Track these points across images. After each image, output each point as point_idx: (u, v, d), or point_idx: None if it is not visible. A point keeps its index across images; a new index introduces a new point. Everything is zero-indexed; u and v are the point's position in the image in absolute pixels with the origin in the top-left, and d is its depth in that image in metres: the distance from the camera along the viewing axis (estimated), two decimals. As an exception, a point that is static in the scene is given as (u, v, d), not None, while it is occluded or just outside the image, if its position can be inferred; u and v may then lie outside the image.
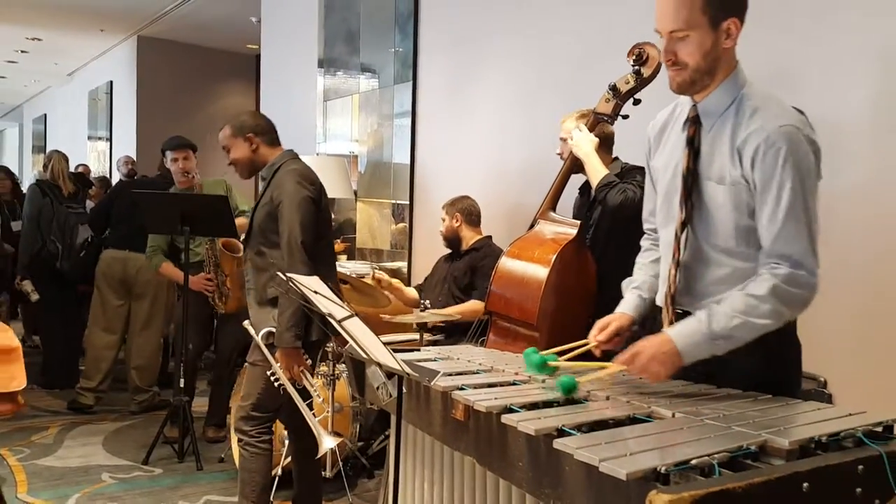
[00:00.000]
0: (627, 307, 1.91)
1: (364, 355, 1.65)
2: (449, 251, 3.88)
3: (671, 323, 1.75)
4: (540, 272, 2.58)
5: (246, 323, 2.83)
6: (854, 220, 2.61)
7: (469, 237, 3.81)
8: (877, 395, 2.50)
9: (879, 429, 1.39)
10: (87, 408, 4.78)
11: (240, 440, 2.83)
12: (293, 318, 2.64)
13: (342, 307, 1.49)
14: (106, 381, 4.87)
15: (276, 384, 2.67)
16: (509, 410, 1.48)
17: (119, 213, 4.83)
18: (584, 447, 1.22)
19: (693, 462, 1.16)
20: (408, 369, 1.51)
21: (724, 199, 1.70)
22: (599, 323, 1.88)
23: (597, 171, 2.66)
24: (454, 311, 3.45)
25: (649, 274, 1.95)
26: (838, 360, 2.64)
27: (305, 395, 2.75)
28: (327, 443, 2.52)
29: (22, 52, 11.69)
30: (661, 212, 1.87)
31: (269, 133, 2.92)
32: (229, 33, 9.43)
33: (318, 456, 2.61)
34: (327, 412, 2.71)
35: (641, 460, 1.16)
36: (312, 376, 2.71)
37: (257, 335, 2.76)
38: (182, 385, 3.93)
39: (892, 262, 2.50)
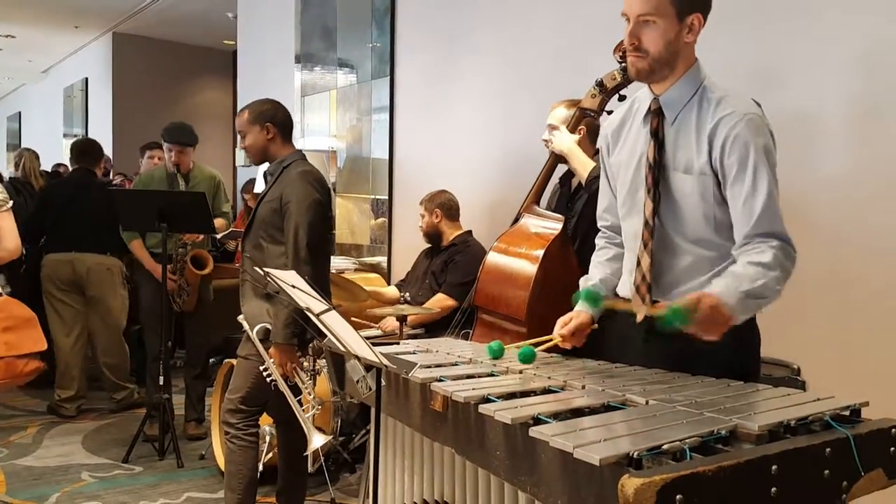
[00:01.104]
0: (586, 306, 1.94)
1: (342, 348, 1.66)
2: (429, 246, 3.90)
3: (647, 312, 1.78)
4: (528, 268, 2.61)
5: (240, 317, 2.83)
6: (831, 212, 2.65)
7: (449, 232, 3.83)
8: (849, 382, 2.55)
9: (847, 412, 1.42)
10: (70, 418, 4.70)
11: (227, 433, 2.84)
12: (292, 316, 2.65)
13: (320, 301, 1.50)
14: (82, 386, 4.79)
15: (268, 380, 2.68)
16: (487, 400, 1.50)
17: (55, 217, 4.64)
18: (559, 434, 1.24)
19: (665, 447, 1.18)
20: (386, 361, 1.52)
21: (691, 188, 1.74)
22: (562, 319, 1.92)
23: (584, 163, 2.68)
24: (431, 307, 3.48)
25: (606, 272, 2.00)
26: (812, 347, 2.69)
27: (297, 391, 2.75)
28: (317, 440, 2.53)
29: (-5, 49, 11.55)
30: (624, 205, 1.90)
31: (285, 126, 2.93)
32: (205, 29, 9.37)
33: (306, 453, 2.62)
34: (317, 409, 2.71)
35: (614, 446, 1.18)
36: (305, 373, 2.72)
37: (251, 329, 2.75)
38: (161, 382, 3.92)
39: (866, 252, 2.55)
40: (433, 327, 3.56)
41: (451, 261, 3.71)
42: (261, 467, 3.18)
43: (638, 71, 1.77)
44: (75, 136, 11.98)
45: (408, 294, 3.51)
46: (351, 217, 5.47)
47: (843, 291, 2.61)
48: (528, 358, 1.78)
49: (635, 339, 1.86)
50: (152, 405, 4.01)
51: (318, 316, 1.50)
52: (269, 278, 1.65)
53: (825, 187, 2.65)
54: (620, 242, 2.02)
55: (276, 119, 2.87)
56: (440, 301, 3.57)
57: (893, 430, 1.38)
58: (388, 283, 4.65)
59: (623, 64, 2.58)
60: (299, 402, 2.69)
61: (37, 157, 5.49)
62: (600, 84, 2.67)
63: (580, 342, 1.91)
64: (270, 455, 3.35)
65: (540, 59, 3.81)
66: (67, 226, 4.61)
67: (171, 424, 3.90)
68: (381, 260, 5.05)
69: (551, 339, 1.92)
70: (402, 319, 3.31)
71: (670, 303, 1.61)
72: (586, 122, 2.77)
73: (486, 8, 4.15)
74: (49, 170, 7.93)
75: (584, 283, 2.01)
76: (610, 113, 2.70)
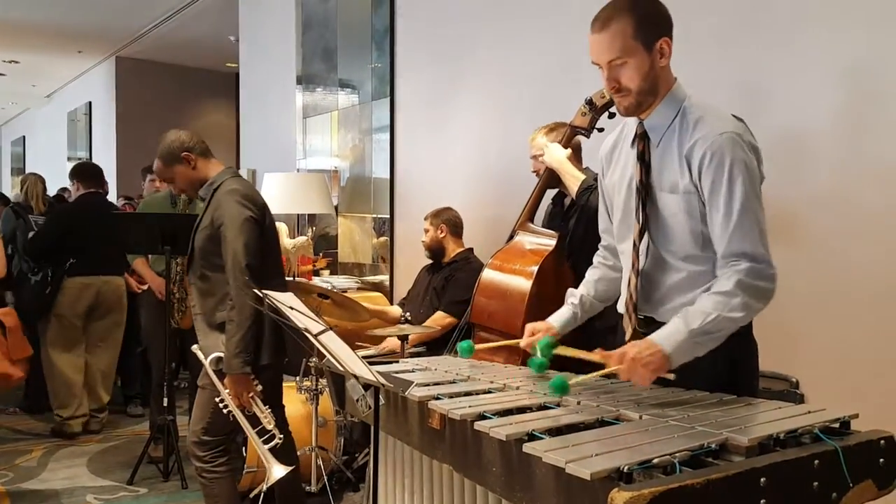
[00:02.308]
0: (557, 320, 2.03)
1: (341, 368, 1.69)
2: (430, 262, 3.93)
3: (634, 329, 1.84)
4: (523, 284, 2.64)
5: (195, 347, 2.75)
6: (819, 226, 2.68)
7: (452, 249, 3.86)
8: (847, 395, 2.57)
9: (837, 425, 1.45)
10: (75, 435, 4.72)
11: (196, 467, 2.74)
12: (241, 344, 2.55)
13: (317, 322, 1.53)
14: (84, 402, 4.83)
15: (224, 411, 2.58)
16: (483, 417, 1.53)
17: (78, 241, 4.68)
18: (552, 450, 1.26)
19: (655, 461, 1.21)
20: (383, 380, 1.55)
21: (677, 207, 1.79)
22: (529, 327, 2.00)
23: (574, 176, 2.73)
24: (431, 325, 3.51)
25: (590, 292, 2.06)
26: (809, 361, 2.71)
27: (255, 421, 2.64)
28: (276, 472, 2.44)
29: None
30: (620, 226, 1.95)
31: (200, 145, 2.82)
32: (208, 52, 9.47)
33: (267, 485, 2.53)
34: (278, 440, 2.61)
35: (606, 461, 1.21)
36: (264, 402, 2.64)
37: (206, 360, 2.67)
38: (165, 404, 3.94)
39: (858, 265, 2.58)
40: (434, 345, 3.59)
41: (452, 277, 3.73)
42: (265, 487, 3.19)
43: (627, 108, 1.82)
44: (79, 159, 12.08)
45: (408, 313, 3.53)
46: (353, 236, 5.51)
47: (839, 304, 2.64)
48: (562, 389, 1.72)
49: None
50: (157, 427, 4.03)
51: (315, 336, 1.53)
52: (266, 300, 1.68)
53: (814, 201, 2.68)
54: (613, 264, 2.08)
55: (186, 146, 2.77)
56: (440, 319, 3.60)
57: (882, 441, 1.40)
58: (391, 302, 4.68)
59: None
60: (259, 432, 2.59)
61: (42, 181, 5.55)
62: (590, 102, 2.72)
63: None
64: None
65: (535, 79, 3.86)
66: (92, 249, 4.67)
67: (176, 446, 3.91)
68: (384, 279, 5.09)
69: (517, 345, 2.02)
70: (403, 338, 3.34)
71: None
72: (573, 144, 2.82)
73: (482, 28, 4.21)
74: (54, 194, 7.99)
75: (568, 295, 2.09)
76: (601, 130, 2.76)
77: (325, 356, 1.77)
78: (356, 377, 1.63)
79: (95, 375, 4.89)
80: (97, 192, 4.86)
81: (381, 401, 1.81)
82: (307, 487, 3.40)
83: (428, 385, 1.83)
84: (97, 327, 4.83)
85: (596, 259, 2.13)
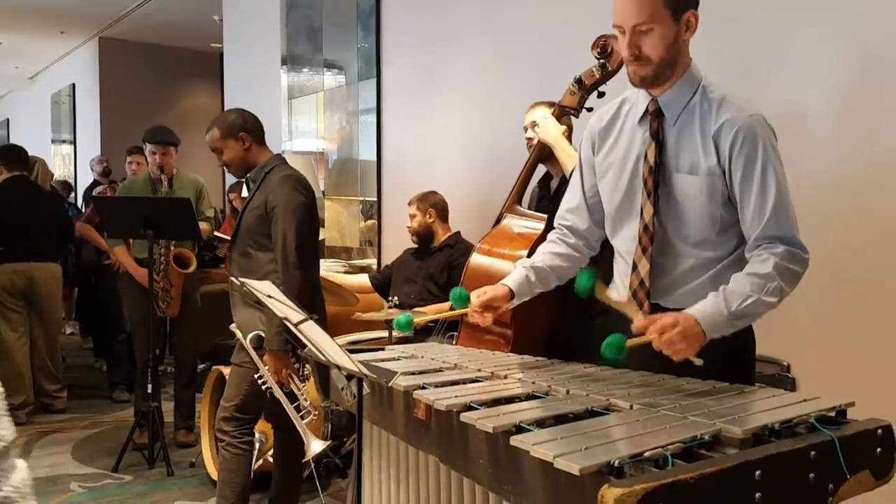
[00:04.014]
0: (511, 281, 1.91)
1: (322, 358, 1.64)
2: (415, 247, 3.87)
3: (646, 315, 1.74)
4: (511, 269, 2.58)
5: (233, 326, 2.80)
6: (815, 208, 2.64)
7: (441, 232, 3.80)
8: (839, 378, 2.54)
9: (833, 413, 1.41)
10: (20, 425, 4.66)
11: (221, 440, 2.83)
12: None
13: (297, 311, 1.48)
14: (31, 392, 4.82)
15: (263, 387, 2.66)
16: (469, 408, 1.48)
17: (7, 227, 4.59)
18: (540, 443, 1.22)
19: (646, 454, 1.16)
20: (365, 370, 1.50)
21: (697, 188, 1.72)
22: (477, 291, 1.88)
23: (569, 154, 2.66)
24: (436, 311, 3.44)
25: (546, 263, 1.95)
26: (801, 344, 2.68)
27: (293, 398, 2.73)
28: (315, 446, 2.51)
29: (-20, 55, 11.47)
30: (619, 209, 1.85)
31: (258, 131, 2.90)
32: (192, 32, 9.32)
33: (306, 459, 2.60)
34: (314, 415, 2.69)
35: (595, 454, 1.16)
36: (300, 380, 2.70)
37: (244, 338, 2.73)
38: (149, 391, 3.89)
39: (853, 247, 2.54)
40: (421, 330, 3.53)
41: (455, 264, 3.67)
42: (251, 474, 3.16)
43: (642, 79, 1.73)
44: (64, 141, 11.93)
45: (396, 298, 3.47)
46: (340, 219, 5.44)
47: (832, 288, 2.60)
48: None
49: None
50: (141, 413, 3.98)
51: (296, 326, 1.48)
52: (245, 288, 1.63)
53: (810, 183, 2.64)
54: (573, 243, 1.99)
55: (247, 126, 2.85)
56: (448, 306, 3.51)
57: (879, 430, 1.37)
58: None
59: (601, 61, 2.57)
60: (297, 408, 2.67)
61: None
62: (579, 81, 2.65)
63: (492, 317, 1.89)
64: (261, 462, 3.32)
65: (524, 61, 3.80)
66: (22, 236, 4.60)
67: (161, 433, 3.86)
68: (371, 262, 5.03)
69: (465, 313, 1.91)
70: (390, 323, 3.28)
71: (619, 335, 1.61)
72: (564, 121, 2.75)
73: (470, 8, 4.13)
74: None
75: (521, 262, 1.99)
76: (590, 110, 2.70)
77: (306, 345, 1.72)
78: (339, 367, 1.57)
79: (44, 358, 4.88)
80: (22, 174, 4.74)
81: (367, 390, 1.77)
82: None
83: (414, 374, 1.78)
84: (41, 316, 4.83)
85: (553, 235, 2.02)
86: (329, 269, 4.91)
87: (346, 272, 4.97)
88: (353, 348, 2.55)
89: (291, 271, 2.64)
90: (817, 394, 1.48)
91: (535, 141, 2.77)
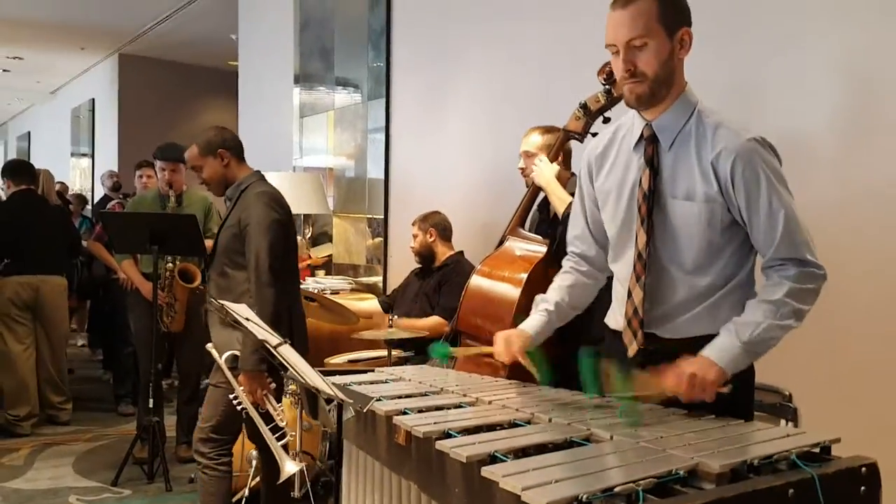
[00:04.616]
0: (532, 327, 1.91)
1: (301, 381, 1.63)
2: (419, 267, 3.87)
3: (640, 347, 1.75)
4: (511, 292, 2.57)
5: (209, 345, 2.77)
6: (817, 234, 2.60)
7: (442, 252, 3.80)
8: (841, 407, 2.49)
9: (817, 450, 1.38)
10: (24, 436, 4.68)
11: (199, 462, 2.80)
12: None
13: (272, 334, 1.47)
14: (36, 404, 4.83)
15: (238, 408, 2.63)
16: (447, 435, 1.46)
17: (14, 240, 4.64)
18: (511, 475, 1.20)
19: (617, 489, 1.14)
20: (340, 394, 1.49)
21: (695, 216, 1.70)
22: (504, 335, 1.87)
23: (561, 198, 2.64)
24: (420, 326, 3.44)
25: (564, 299, 1.95)
26: (803, 373, 2.63)
27: (269, 418, 2.68)
28: (289, 467, 2.46)
29: (3, 70, 11.67)
30: (618, 239, 1.83)
31: (237, 147, 2.89)
32: (209, 50, 9.44)
33: (280, 481, 2.56)
34: (292, 436, 2.65)
35: (565, 488, 1.14)
36: (277, 400, 2.67)
37: (220, 357, 2.70)
38: (151, 405, 3.89)
39: (856, 273, 2.50)
40: (422, 350, 3.52)
41: (447, 282, 3.67)
42: (246, 492, 3.14)
43: (638, 97, 1.70)
44: (83, 154, 12.09)
45: (395, 317, 3.46)
46: (347, 237, 5.46)
47: (834, 316, 2.55)
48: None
49: (626, 367, 1.81)
50: (143, 427, 3.98)
51: (275, 348, 1.48)
52: (224, 310, 1.63)
53: (810, 209, 2.58)
54: (586, 271, 1.98)
55: (226, 144, 2.84)
56: (438, 326, 3.51)
57: (863, 468, 1.33)
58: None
59: (607, 86, 2.56)
60: (273, 428, 2.63)
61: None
62: (584, 106, 2.65)
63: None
64: (258, 479, 3.31)
65: (529, 81, 3.80)
66: (28, 249, 4.64)
67: (161, 448, 3.87)
68: (377, 280, 5.03)
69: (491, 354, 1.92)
70: (390, 343, 3.28)
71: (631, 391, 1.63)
72: (566, 149, 2.75)
73: (478, 30, 4.14)
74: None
75: (538, 301, 1.98)
76: (595, 135, 2.68)
77: (288, 368, 1.72)
78: (318, 390, 1.57)
79: (49, 370, 4.90)
80: (29, 188, 4.80)
81: (351, 414, 1.75)
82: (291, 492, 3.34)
83: (398, 398, 1.77)
84: (46, 328, 4.85)
85: (567, 264, 2.01)
86: (336, 286, 4.93)
87: (352, 290, 4.99)
88: (343, 369, 2.55)
89: (263, 289, 2.62)
90: (820, 424, 1.46)
91: (530, 167, 2.77)
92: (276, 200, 2.77)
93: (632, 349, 1.77)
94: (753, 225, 1.68)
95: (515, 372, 2.28)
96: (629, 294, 1.77)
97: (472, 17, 4.19)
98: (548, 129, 2.87)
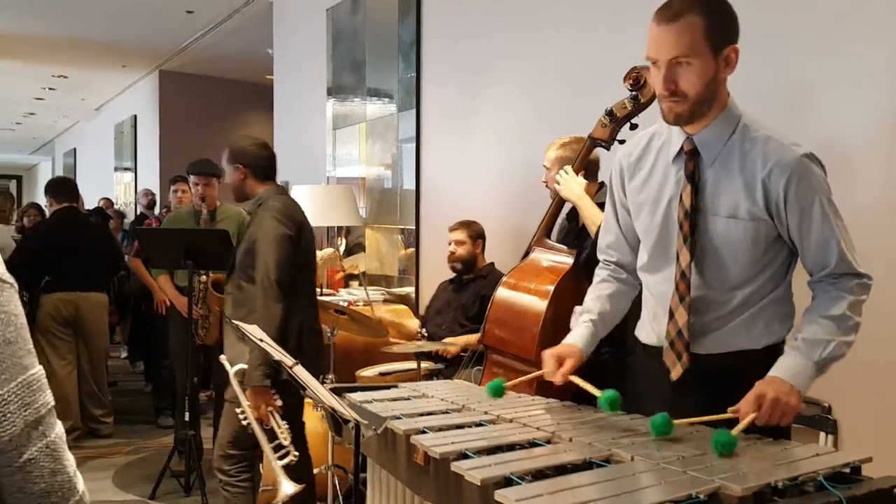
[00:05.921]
0: (580, 340, 1.84)
1: (319, 399, 1.63)
2: (451, 277, 3.85)
3: (684, 367, 1.71)
4: (538, 305, 2.53)
5: (222, 358, 2.77)
6: (865, 241, 2.52)
7: (480, 263, 3.79)
8: (882, 419, 2.41)
9: (847, 470, 1.33)
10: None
11: (220, 480, 2.78)
12: (263, 357, 2.55)
13: (285, 355, 1.47)
14: (78, 418, 4.93)
15: (244, 423, 2.59)
16: (464, 456, 1.44)
17: (56, 257, 4.72)
18: (523, 499, 1.18)
19: (632, 515, 1.11)
20: (355, 415, 1.48)
21: (741, 233, 1.65)
22: (551, 354, 1.79)
23: (593, 214, 2.58)
24: (458, 343, 3.41)
25: (606, 308, 1.89)
26: (843, 384, 2.54)
27: (273, 436, 2.62)
28: (286, 488, 2.38)
29: (49, 89, 12.00)
30: (653, 254, 1.79)
31: (260, 167, 2.87)
32: (247, 65, 9.58)
33: (275, 502, 2.51)
34: (293, 458, 2.54)
35: (578, 513, 1.11)
36: (283, 418, 2.62)
37: (231, 371, 2.69)
38: (187, 418, 3.94)
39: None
40: (452, 360, 3.50)
41: (487, 294, 3.63)
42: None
43: (677, 116, 1.65)
44: (126, 169, 12.36)
45: (425, 329, 3.45)
46: (380, 248, 5.47)
47: (877, 325, 2.47)
48: (497, 391, 1.86)
49: (662, 385, 1.77)
50: (180, 440, 4.04)
51: (290, 369, 1.47)
52: (240, 330, 1.64)
53: (859, 215, 2.51)
54: (625, 279, 1.94)
55: (247, 160, 2.84)
56: (473, 339, 3.47)
57: (895, 489, 1.28)
58: (416, 314, 4.62)
59: (634, 93, 2.52)
60: (276, 447, 2.56)
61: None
62: (610, 113, 2.61)
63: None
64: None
65: (557, 90, 3.77)
66: (69, 266, 4.73)
67: (198, 460, 3.91)
68: (410, 290, 5.03)
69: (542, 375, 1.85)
70: (419, 356, 3.26)
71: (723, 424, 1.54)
72: (592, 157, 2.71)
73: (507, 40, 4.13)
74: (94, 206, 8.18)
75: (579, 312, 1.93)
76: (622, 142, 2.64)
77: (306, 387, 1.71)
78: (333, 410, 1.56)
79: (90, 384, 4.99)
80: (71, 206, 4.90)
81: (371, 432, 1.74)
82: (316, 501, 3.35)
83: (419, 415, 1.75)
84: (87, 343, 4.94)
85: (604, 272, 1.96)
86: (369, 298, 4.93)
87: (385, 300, 4.99)
88: (366, 385, 2.53)
89: (270, 304, 2.59)
90: (860, 436, 1.41)
91: (552, 181, 2.74)
92: (286, 215, 2.74)
93: (675, 372, 1.74)
94: (805, 245, 1.65)
95: (542, 384, 2.25)
96: (671, 314, 1.73)
97: (499, 29, 4.18)
98: (565, 143, 2.83)
